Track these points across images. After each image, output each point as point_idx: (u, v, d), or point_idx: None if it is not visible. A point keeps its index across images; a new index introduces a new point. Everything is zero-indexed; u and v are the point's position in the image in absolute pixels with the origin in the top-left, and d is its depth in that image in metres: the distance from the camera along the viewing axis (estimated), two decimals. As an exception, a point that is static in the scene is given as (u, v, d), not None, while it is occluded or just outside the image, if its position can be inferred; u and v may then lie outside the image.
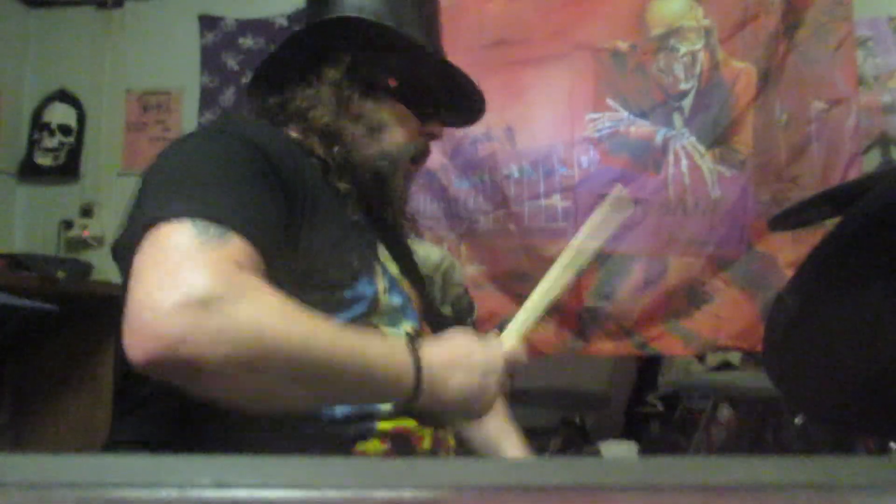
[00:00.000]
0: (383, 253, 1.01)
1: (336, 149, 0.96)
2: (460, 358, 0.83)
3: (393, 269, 1.01)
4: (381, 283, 0.93)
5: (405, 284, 1.02)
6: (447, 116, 1.08)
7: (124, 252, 0.79)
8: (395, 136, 1.00)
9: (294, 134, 0.99)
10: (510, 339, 0.93)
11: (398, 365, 0.78)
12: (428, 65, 1.02)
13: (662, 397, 2.85)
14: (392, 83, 1.00)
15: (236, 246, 0.72)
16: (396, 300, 0.94)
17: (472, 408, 0.84)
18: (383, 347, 0.79)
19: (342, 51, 0.98)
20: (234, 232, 0.73)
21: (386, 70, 1.00)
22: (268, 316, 0.69)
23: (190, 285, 0.66)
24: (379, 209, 1.05)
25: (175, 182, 0.79)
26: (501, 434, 1.16)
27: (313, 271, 0.85)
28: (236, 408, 0.73)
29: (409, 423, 0.89)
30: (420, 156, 1.05)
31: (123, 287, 0.89)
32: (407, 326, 0.95)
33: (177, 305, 0.65)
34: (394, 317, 0.93)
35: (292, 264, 0.83)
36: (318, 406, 0.82)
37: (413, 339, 0.83)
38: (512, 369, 0.89)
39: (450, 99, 1.07)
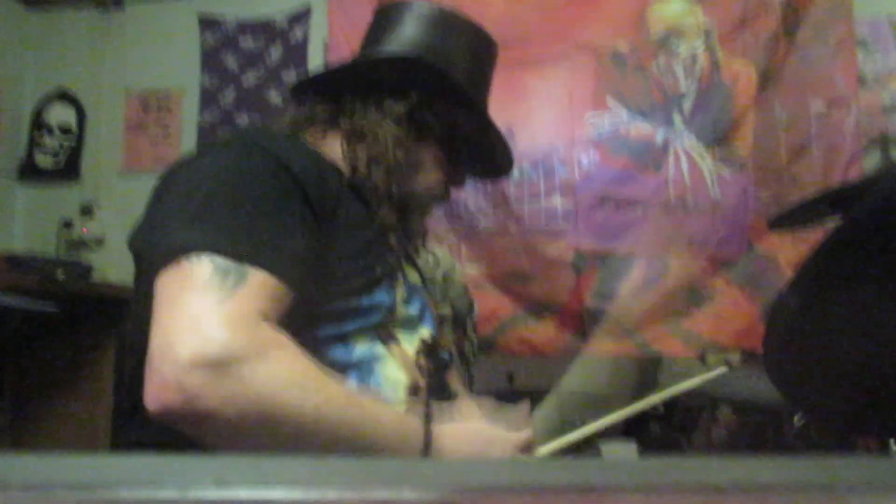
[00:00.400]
0: (405, 263, 1.03)
1: (391, 181, 0.98)
2: (471, 451, 0.85)
3: (414, 277, 1.03)
4: (400, 293, 0.94)
5: (425, 292, 1.04)
6: (476, 169, 1.13)
7: (142, 259, 0.82)
8: (428, 178, 1.04)
9: (326, 147, 1.00)
10: (542, 447, 0.96)
11: (408, 447, 0.79)
12: (473, 118, 1.05)
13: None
14: (440, 128, 1.03)
15: (258, 286, 0.74)
16: (414, 310, 0.96)
17: None
18: (397, 426, 0.81)
19: (409, 88, 1.00)
20: (257, 267, 0.74)
21: (439, 116, 1.02)
22: (282, 384, 0.71)
23: (209, 343, 0.68)
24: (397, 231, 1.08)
25: (199, 203, 0.79)
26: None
27: (334, 280, 0.86)
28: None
29: None
30: (441, 200, 1.08)
31: (137, 277, 0.90)
32: (424, 333, 0.96)
33: (194, 362, 0.67)
34: (410, 325, 0.95)
35: (316, 276, 0.84)
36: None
37: (429, 420, 0.84)
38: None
39: (482, 153, 1.10)
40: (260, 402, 0.70)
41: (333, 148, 1.00)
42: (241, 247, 0.75)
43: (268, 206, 0.80)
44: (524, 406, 0.97)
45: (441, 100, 1.02)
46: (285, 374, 0.72)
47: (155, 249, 0.77)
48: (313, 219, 0.83)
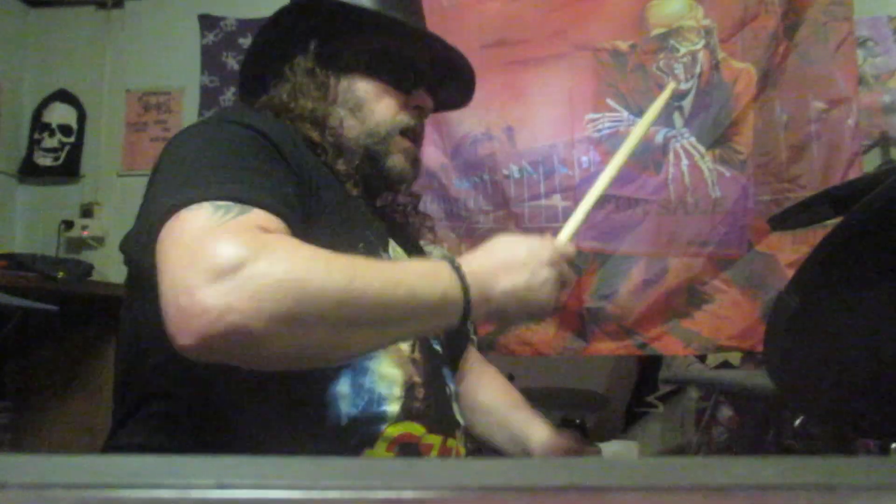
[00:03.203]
0: (396, 250, 1.00)
1: (326, 133, 0.96)
2: (503, 259, 0.82)
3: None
4: None
5: None
6: (435, 87, 1.06)
7: (136, 246, 0.79)
8: (376, 111, 0.98)
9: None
10: (562, 233, 0.92)
11: (443, 282, 0.76)
12: (396, 35, 1.01)
13: (662, 397, 2.85)
14: (362, 60, 0.99)
15: (260, 215, 0.72)
16: None
17: (531, 304, 0.83)
18: (425, 269, 0.79)
19: (309, 37, 0.97)
20: (255, 206, 0.72)
21: (354, 47, 0.99)
22: (302, 265, 0.68)
23: (217, 255, 0.65)
24: (385, 193, 1.04)
25: (187, 171, 0.78)
26: (504, 408, 1.16)
27: None
28: (296, 368, 0.72)
29: (416, 430, 0.87)
30: (412, 130, 1.02)
31: (128, 282, 0.89)
32: None
33: (209, 279, 0.63)
34: None
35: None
36: (376, 345, 0.81)
37: (453, 258, 0.82)
38: (566, 260, 0.88)
39: (430, 66, 1.04)
40: (289, 286, 0.65)
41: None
42: (240, 192, 0.73)
43: (253, 162, 0.79)
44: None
45: (348, 31, 0.99)
46: (302, 258, 0.69)
47: (152, 217, 0.74)
48: (296, 179, 0.82)
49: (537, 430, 1.10)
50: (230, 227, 0.68)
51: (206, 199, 0.71)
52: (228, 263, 0.64)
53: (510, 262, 0.82)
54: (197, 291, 0.63)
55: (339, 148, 0.96)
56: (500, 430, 1.14)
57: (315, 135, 0.95)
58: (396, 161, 1.00)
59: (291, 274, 0.66)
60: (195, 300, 0.63)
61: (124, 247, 0.87)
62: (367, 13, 0.98)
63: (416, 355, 0.91)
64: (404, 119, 1.00)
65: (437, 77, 1.06)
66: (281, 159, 0.82)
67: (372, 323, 0.73)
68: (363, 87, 0.99)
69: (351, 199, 0.94)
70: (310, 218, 0.83)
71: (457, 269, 0.78)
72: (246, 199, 0.72)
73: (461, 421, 0.98)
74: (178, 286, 0.65)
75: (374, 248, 0.91)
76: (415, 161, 1.03)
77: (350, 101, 0.98)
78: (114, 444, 0.87)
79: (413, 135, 1.02)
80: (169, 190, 0.76)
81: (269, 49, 1.01)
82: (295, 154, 0.84)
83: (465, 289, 0.77)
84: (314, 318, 0.67)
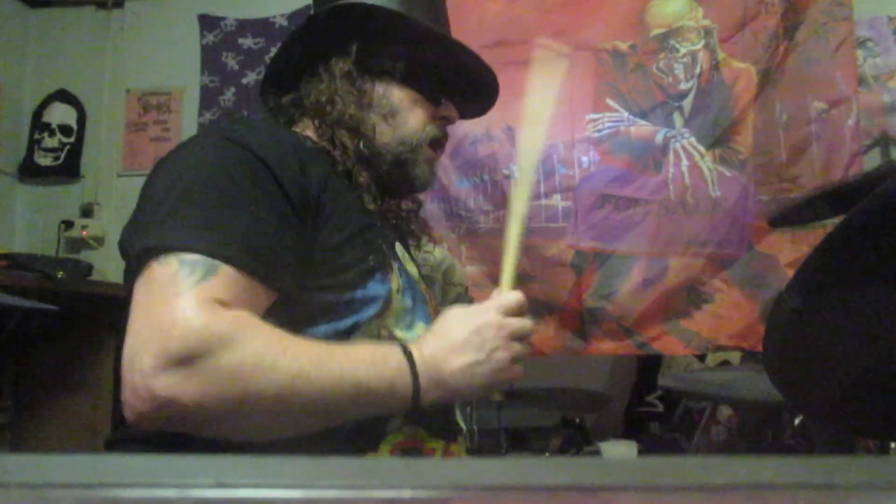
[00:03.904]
0: (403, 254, 0.99)
1: (359, 140, 0.96)
2: (451, 340, 0.82)
3: (412, 269, 0.99)
4: (395, 283, 0.90)
5: (423, 286, 1.00)
6: (460, 99, 1.07)
7: (128, 258, 0.81)
8: (409, 120, 0.99)
9: (308, 132, 0.98)
10: (504, 286, 0.90)
11: (392, 372, 0.77)
12: (433, 46, 1.01)
13: (662, 397, 2.85)
14: (399, 68, 0.99)
15: (226, 279, 0.73)
16: (409, 301, 0.92)
17: (485, 377, 0.82)
18: (374, 358, 0.78)
19: (348, 40, 0.97)
20: (225, 263, 0.73)
21: (392, 55, 0.99)
22: (251, 360, 0.70)
23: (170, 341, 0.68)
24: (400, 199, 1.05)
25: (173, 202, 0.78)
26: None
27: (325, 273, 0.84)
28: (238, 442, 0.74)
29: (419, 435, 0.87)
30: (438, 141, 1.03)
31: (126, 277, 0.89)
32: (420, 329, 0.92)
33: (159, 366, 0.67)
34: (406, 318, 0.91)
35: (305, 270, 0.82)
36: (325, 426, 0.81)
37: (402, 342, 0.82)
38: (514, 313, 0.86)
39: (459, 79, 1.05)
40: (234, 386, 0.69)
41: (312, 132, 0.98)
42: (211, 244, 0.73)
43: (243, 203, 0.78)
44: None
45: (387, 38, 0.99)
46: (252, 350, 0.71)
47: (130, 255, 0.77)
48: (292, 210, 0.81)
49: None
50: (190, 300, 0.70)
51: (176, 248, 0.73)
52: (180, 354, 0.68)
53: (457, 342, 0.82)
54: (148, 377, 0.68)
55: (368, 156, 0.96)
56: None
57: (349, 141, 0.95)
58: (422, 170, 1.01)
59: (235, 372, 0.69)
60: (146, 384, 0.68)
61: (121, 245, 0.87)
62: (408, 22, 0.98)
63: None
64: (433, 130, 1.02)
65: (464, 88, 1.07)
66: (275, 186, 0.81)
67: (315, 414, 0.75)
68: (398, 95, 0.99)
69: (363, 211, 0.94)
70: (318, 230, 0.83)
71: (408, 356, 0.79)
72: (219, 254, 0.73)
73: (464, 426, 0.98)
74: (134, 363, 0.69)
75: (384, 260, 0.90)
76: (434, 170, 1.05)
77: (385, 107, 0.98)
78: (119, 437, 0.87)
79: (438, 144, 1.04)
80: (148, 223, 0.78)
81: (305, 48, 1.00)
82: (296, 171, 0.83)
83: (415, 376, 0.78)
84: (256, 414, 0.71)
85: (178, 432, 0.72)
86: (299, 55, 1.00)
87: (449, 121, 1.05)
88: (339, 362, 0.76)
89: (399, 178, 1.00)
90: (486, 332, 0.83)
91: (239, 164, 0.81)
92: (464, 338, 0.82)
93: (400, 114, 0.99)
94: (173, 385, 0.67)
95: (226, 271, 0.73)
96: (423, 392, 0.78)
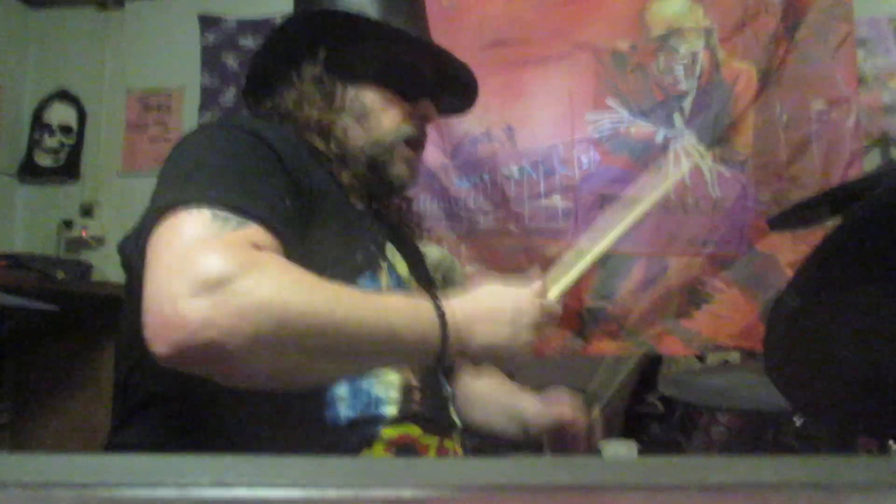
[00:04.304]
0: (393, 253, 1.00)
1: (331, 143, 0.96)
2: (488, 309, 0.83)
3: (402, 269, 1.00)
4: (385, 282, 0.91)
5: (413, 286, 1.01)
6: (438, 96, 1.06)
7: (133, 245, 0.78)
8: (383, 121, 0.99)
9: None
10: (552, 289, 0.92)
11: (424, 323, 0.77)
12: (404, 46, 1.01)
13: (662, 397, 2.84)
14: (371, 69, 0.99)
15: (254, 231, 0.72)
16: None
17: (501, 356, 0.84)
18: (408, 307, 0.78)
19: (318, 45, 0.98)
20: (252, 220, 0.72)
21: (362, 57, 0.99)
22: (287, 289, 0.68)
23: (205, 268, 0.64)
24: (384, 200, 1.05)
25: (190, 172, 0.78)
26: (498, 392, 1.18)
27: (315, 267, 0.84)
28: (265, 388, 0.71)
29: (413, 431, 0.88)
30: (416, 139, 1.03)
31: (127, 283, 0.89)
32: None
33: (194, 290, 0.63)
34: None
35: (299, 259, 0.82)
36: (349, 374, 0.81)
37: (437, 298, 0.82)
38: (550, 319, 0.88)
39: (435, 77, 1.05)
40: (271, 309, 0.65)
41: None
42: (240, 201, 0.73)
43: (260, 173, 0.79)
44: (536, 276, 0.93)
45: (357, 41, 0.99)
46: (287, 282, 0.69)
47: (148, 215, 0.74)
48: (297, 194, 0.82)
49: (529, 401, 1.15)
50: (224, 240, 0.68)
51: (207, 203, 0.71)
52: (215, 277, 0.64)
53: (493, 315, 0.83)
54: (180, 301, 0.63)
55: (343, 158, 0.97)
56: (496, 409, 1.16)
57: (320, 144, 0.96)
58: (398, 170, 1.01)
59: (275, 297, 0.66)
60: (177, 309, 0.63)
61: (122, 248, 0.87)
62: (376, 24, 0.98)
63: None
64: (408, 129, 1.01)
65: (441, 85, 1.07)
66: (282, 169, 0.82)
67: (347, 354, 0.73)
68: (370, 97, 0.99)
69: (351, 209, 0.95)
70: (308, 227, 0.83)
71: (440, 314, 0.78)
72: (246, 211, 0.72)
73: (458, 423, 0.99)
74: (162, 292, 0.65)
75: (372, 259, 0.91)
76: (415, 168, 1.04)
77: (356, 109, 0.98)
78: (114, 443, 0.87)
79: (416, 143, 1.03)
80: (171, 185, 0.76)
81: (276, 54, 1.01)
82: (296, 163, 0.84)
83: (445, 336, 0.78)
84: (291, 343, 0.68)
85: (214, 377, 0.68)
86: (273, 62, 1.01)
87: (427, 119, 1.04)
88: (375, 304, 0.75)
89: (377, 179, 1.00)
90: (518, 319, 0.84)
91: (251, 145, 0.82)
92: (500, 314, 0.83)
93: (373, 115, 0.99)
94: (209, 307, 0.62)
95: (254, 227, 0.72)
96: (446, 353, 0.78)
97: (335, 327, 0.69)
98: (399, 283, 0.95)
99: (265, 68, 1.03)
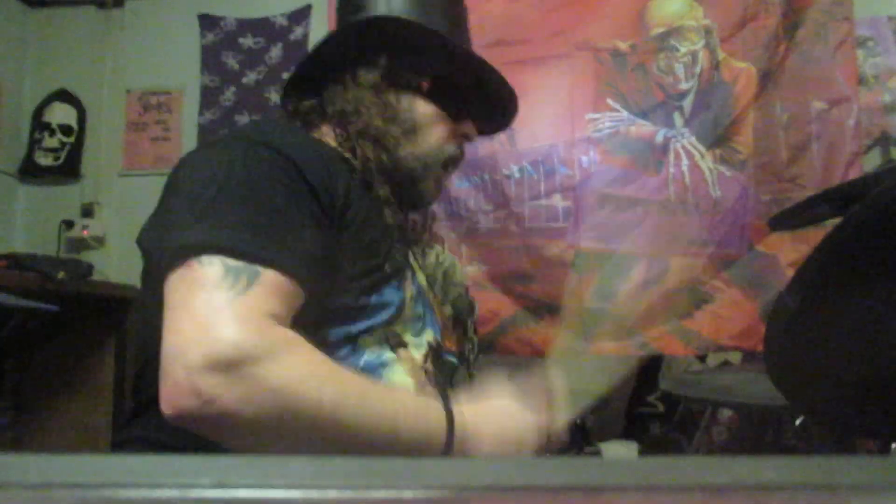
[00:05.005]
0: (414, 263, 1.01)
1: (381, 152, 0.96)
2: (496, 431, 0.84)
3: (421, 278, 1.00)
4: (410, 290, 0.92)
5: (430, 294, 1.01)
6: (480, 118, 1.07)
7: (153, 253, 0.81)
8: (429, 137, 1.00)
9: (328, 139, 0.99)
10: (560, 416, 0.93)
11: (429, 427, 0.79)
12: (458, 63, 1.02)
13: (663, 397, 2.85)
14: (425, 83, 0.99)
15: (269, 286, 0.73)
16: (420, 308, 0.93)
17: None
18: (416, 410, 0.79)
19: (377, 52, 0.98)
20: (268, 267, 0.73)
21: (419, 70, 0.99)
22: (298, 379, 0.70)
23: (221, 344, 0.67)
24: (407, 212, 1.05)
25: (208, 200, 0.77)
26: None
27: (342, 278, 0.84)
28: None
29: None
30: (452, 161, 1.04)
31: (144, 276, 0.89)
32: (429, 336, 0.94)
33: (207, 364, 0.66)
34: (417, 325, 0.92)
35: (326, 274, 0.82)
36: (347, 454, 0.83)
37: (448, 401, 0.83)
38: (550, 447, 0.90)
39: (482, 97, 1.06)
40: (276, 400, 0.68)
41: (332, 139, 0.99)
42: (252, 246, 0.73)
43: (278, 203, 0.78)
44: (537, 374, 0.94)
45: (415, 53, 0.99)
46: (300, 370, 0.70)
47: (164, 249, 0.75)
48: (322, 215, 0.82)
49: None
50: (239, 311, 0.70)
51: (218, 251, 0.72)
52: (228, 356, 0.67)
53: (500, 436, 0.84)
54: (193, 374, 0.66)
55: (385, 168, 0.96)
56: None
57: (371, 152, 0.95)
58: (428, 188, 1.02)
59: (284, 388, 0.69)
60: (191, 381, 0.66)
61: (141, 241, 0.87)
62: (438, 38, 0.99)
63: (429, 365, 0.92)
64: (451, 149, 1.02)
65: (485, 107, 1.08)
66: (307, 190, 0.81)
67: (345, 445, 0.75)
68: (421, 111, 1.00)
69: (382, 221, 0.94)
70: (337, 239, 0.83)
71: (450, 421, 0.80)
72: (259, 256, 0.73)
73: None
74: (178, 358, 0.68)
75: (398, 269, 0.92)
76: (440, 188, 1.05)
77: (407, 122, 0.99)
78: (126, 437, 0.87)
79: (452, 164, 1.04)
80: (184, 220, 0.77)
81: (332, 56, 1.00)
82: (323, 174, 0.84)
83: (449, 443, 0.79)
84: (291, 433, 0.70)
85: (207, 438, 0.71)
86: (326, 63, 1.00)
87: (468, 139, 1.05)
88: (382, 403, 0.76)
89: (407, 192, 1.00)
90: (523, 445, 0.86)
91: (271, 166, 0.81)
92: (507, 437, 0.85)
93: (422, 129, 0.99)
94: (218, 385, 0.66)
95: (269, 276, 0.73)
96: (449, 454, 0.80)
97: (335, 427, 0.72)
98: (421, 291, 0.96)
99: (314, 68, 1.02)
